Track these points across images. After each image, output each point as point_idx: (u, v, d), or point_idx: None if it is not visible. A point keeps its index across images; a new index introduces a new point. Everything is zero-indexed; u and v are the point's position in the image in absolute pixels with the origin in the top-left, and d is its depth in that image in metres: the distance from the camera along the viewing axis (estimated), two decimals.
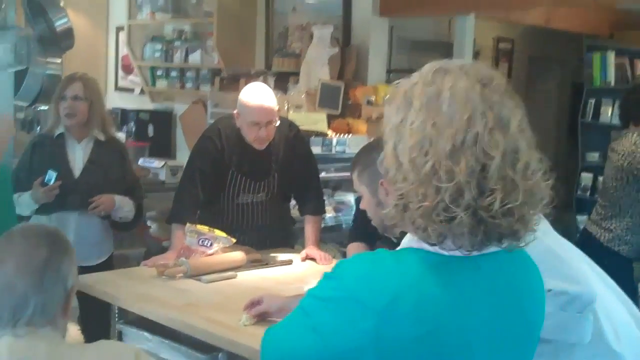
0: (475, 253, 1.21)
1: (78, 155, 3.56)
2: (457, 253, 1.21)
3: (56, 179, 3.41)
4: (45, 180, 3.40)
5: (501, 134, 1.17)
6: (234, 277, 3.08)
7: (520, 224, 1.19)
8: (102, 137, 3.59)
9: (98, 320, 3.37)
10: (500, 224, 1.17)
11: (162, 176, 5.41)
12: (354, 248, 3.05)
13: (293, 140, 3.52)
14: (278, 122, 3.37)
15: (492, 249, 1.23)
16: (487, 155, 1.15)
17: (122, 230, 3.88)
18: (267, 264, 3.30)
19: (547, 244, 2.06)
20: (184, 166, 3.59)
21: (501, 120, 1.18)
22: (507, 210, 1.16)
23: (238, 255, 3.21)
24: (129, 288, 2.89)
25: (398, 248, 1.32)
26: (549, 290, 1.95)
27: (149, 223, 5.47)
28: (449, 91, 1.19)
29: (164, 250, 3.50)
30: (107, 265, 3.56)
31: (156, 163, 5.50)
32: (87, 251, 3.45)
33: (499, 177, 1.15)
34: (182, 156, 6.09)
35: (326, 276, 1.25)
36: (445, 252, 1.21)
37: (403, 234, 1.27)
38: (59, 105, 3.53)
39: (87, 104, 3.51)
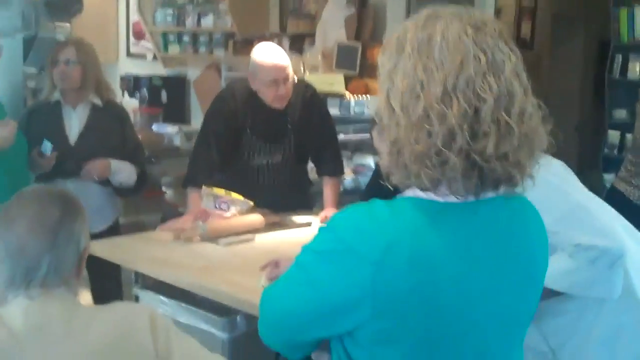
0: (471, 199, 1.22)
1: (74, 122, 3.52)
2: (454, 199, 1.21)
3: (52, 149, 3.40)
4: (42, 150, 3.39)
5: (494, 77, 1.18)
6: (251, 239, 3.08)
7: (516, 169, 1.20)
8: (99, 102, 3.54)
9: (109, 288, 3.40)
10: (495, 168, 1.17)
11: (177, 142, 5.41)
12: None
13: (310, 100, 3.50)
14: (295, 78, 3.34)
15: (490, 195, 1.23)
16: (480, 98, 1.16)
17: (125, 197, 3.86)
18: (285, 227, 3.30)
19: (576, 199, 2.04)
20: (199, 131, 3.55)
21: (494, 64, 1.19)
22: (501, 155, 1.17)
23: (256, 218, 3.21)
24: (146, 252, 2.89)
25: None
26: (578, 245, 1.93)
27: (164, 189, 5.49)
28: (441, 35, 1.20)
29: (180, 215, 3.49)
30: (111, 232, 3.52)
31: (170, 129, 5.50)
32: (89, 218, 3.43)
33: (492, 121, 1.16)
34: (197, 121, 6.07)
35: (321, 230, 1.27)
36: (440, 199, 1.22)
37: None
38: (52, 70, 3.49)
39: (80, 68, 3.46)
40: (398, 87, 1.21)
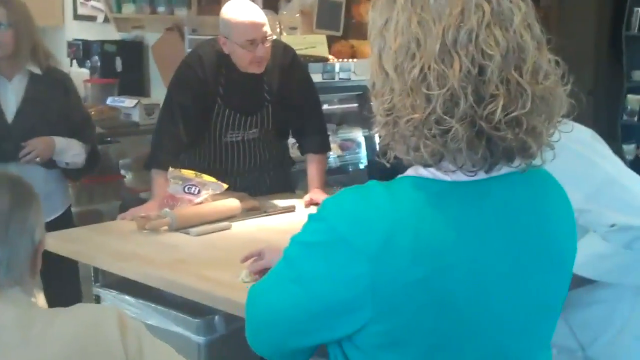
0: (482, 176, 1.21)
1: (10, 96, 3.43)
2: (462, 177, 1.20)
3: None
4: None
5: (501, 30, 1.16)
6: (228, 228, 3.07)
7: (531, 136, 1.18)
8: (38, 70, 3.46)
9: (64, 287, 3.37)
10: (505, 136, 1.15)
11: (136, 117, 5.37)
12: None
13: (289, 65, 3.49)
14: (273, 37, 3.33)
15: (503, 170, 1.22)
16: (485, 55, 1.15)
17: (75, 179, 3.82)
18: (265, 212, 3.28)
19: (608, 171, 2.02)
20: (162, 103, 3.53)
21: (501, 14, 1.17)
22: (512, 120, 1.15)
23: (232, 203, 3.19)
24: (106, 245, 2.87)
25: None
26: (613, 226, 1.92)
27: (122, 172, 5.46)
28: None
29: (142, 202, 3.47)
30: (63, 222, 3.48)
31: (127, 102, 5.44)
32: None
33: (500, 81, 1.15)
34: (158, 93, 6.02)
35: (311, 218, 1.25)
36: (446, 178, 1.21)
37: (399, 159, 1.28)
38: None
39: (12, 32, 3.36)
40: (391, 46, 1.20)
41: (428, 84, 1.15)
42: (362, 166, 5.06)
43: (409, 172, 1.25)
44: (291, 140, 3.76)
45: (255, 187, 3.50)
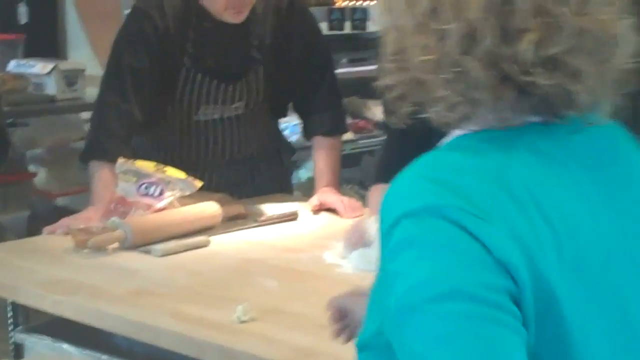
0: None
1: None
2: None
3: None
4: None
5: None
6: (205, 244, 3.08)
7: (577, 81, 1.23)
8: None
9: None
10: (538, 82, 1.21)
11: (51, 88, 5.40)
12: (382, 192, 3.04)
13: (287, 10, 3.52)
14: None
15: None
16: None
17: None
18: (255, 222, 3.31)
19: None
20: (105, 69, 3.54)
21: None
22: (547, 60, 1.21)
23: (209, 209, 3.21)
24: (32, 272, 2.86)
25: None
26: None
27: (32, 168, 5.46)
28: None
29: (59, 211, 3.47)
30: None
31: (39, 67, 5.48)
32: None
33: (533, 12, 1.21)
34: (81, 54, 6.05)
35: (387, 233, 1.24)
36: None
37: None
38: None
39: None
40: None
41: (440, 18, 1.23)
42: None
43: (450, 137, 1.33)
44: (287, 119, 3.78)
45: (240, 186, 3.54)
